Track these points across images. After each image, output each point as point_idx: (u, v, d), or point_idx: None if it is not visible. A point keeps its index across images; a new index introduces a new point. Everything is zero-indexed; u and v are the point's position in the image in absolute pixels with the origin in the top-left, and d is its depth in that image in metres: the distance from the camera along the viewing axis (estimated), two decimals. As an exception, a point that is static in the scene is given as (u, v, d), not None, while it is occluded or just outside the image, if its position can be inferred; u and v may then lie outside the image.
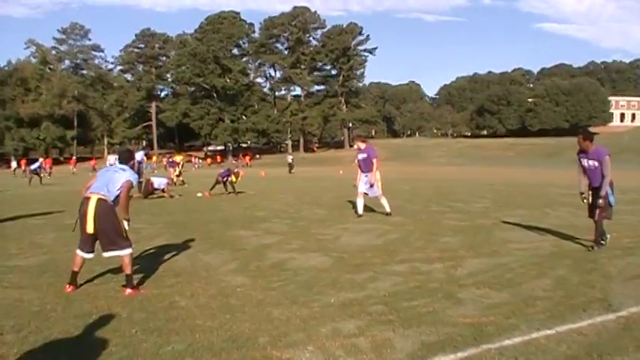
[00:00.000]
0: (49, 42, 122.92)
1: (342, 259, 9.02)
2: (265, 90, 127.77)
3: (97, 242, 7.12)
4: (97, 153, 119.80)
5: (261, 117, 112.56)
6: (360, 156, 15.16)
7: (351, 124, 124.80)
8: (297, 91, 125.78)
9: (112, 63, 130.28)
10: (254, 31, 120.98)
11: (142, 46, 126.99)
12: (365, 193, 14.99)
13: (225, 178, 23.84)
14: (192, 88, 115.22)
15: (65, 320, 5.84)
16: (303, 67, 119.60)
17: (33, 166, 38.33)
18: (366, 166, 14.93)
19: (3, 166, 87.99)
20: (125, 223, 7.17)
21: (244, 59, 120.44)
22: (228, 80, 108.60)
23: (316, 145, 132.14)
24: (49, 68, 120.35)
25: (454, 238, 11.11)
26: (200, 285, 7.37)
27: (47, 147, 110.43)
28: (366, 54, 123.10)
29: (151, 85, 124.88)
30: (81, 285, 7.25)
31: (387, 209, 15.05)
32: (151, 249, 10.11)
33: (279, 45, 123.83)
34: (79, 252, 7.11)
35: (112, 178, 7.13)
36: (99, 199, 6.93)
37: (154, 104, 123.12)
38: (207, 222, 14.28)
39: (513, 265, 8.46)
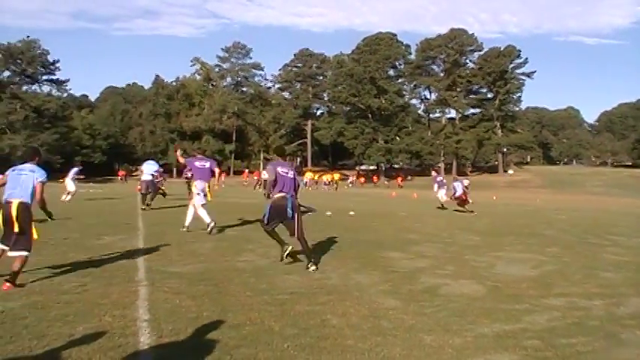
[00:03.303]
0: (212, 60, 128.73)
1: (497, 289, 8.78)
2: (420, 112, 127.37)
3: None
4: (253, 167, 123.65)
5: (415, 138, 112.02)
6: (198, 163, 15.44)
7: (505, 149, 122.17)
8: (452, 113, 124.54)
9: (270, 81, 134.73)
10: (410, 53, 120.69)
11: (300, 65, 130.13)
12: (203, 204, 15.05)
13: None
14: (348, 108, 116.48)
15: (219, 329, 6.03)
16: (458, 89, 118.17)
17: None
18: (205, 175, 15.21)
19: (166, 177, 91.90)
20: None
21: (400, 80, 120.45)
22: (383, 101, 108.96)
23: (469, 169, 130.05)
24: (212, 85, 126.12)
25: (615, 274, 10.55)
26: (352, 304, 7.37)
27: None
28: (524, 77, 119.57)
29: (308, 104, 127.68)
30: (234, 295, 7.50)
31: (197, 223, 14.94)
32: (304, 265, 10.18)
33: (434, 67, 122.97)
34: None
35: (25, 181, 8.05)
36: (20, 203, 7.89)
37: (309, 122, 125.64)
38: (359, 241, 14.31)
39: (683, 307, 7.92)
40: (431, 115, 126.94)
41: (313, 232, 15.81)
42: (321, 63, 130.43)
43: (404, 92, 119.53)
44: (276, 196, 10.16)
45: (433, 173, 31.19)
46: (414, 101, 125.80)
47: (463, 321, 6.79)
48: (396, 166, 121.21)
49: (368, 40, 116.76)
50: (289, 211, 10.03)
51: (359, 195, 46.22)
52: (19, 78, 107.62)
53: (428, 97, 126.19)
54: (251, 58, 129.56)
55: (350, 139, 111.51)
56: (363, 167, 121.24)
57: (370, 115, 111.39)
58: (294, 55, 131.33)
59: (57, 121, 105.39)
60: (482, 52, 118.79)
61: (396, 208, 27.38)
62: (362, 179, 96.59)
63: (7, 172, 8.33)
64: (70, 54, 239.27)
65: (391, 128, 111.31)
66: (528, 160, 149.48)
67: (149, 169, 23.93)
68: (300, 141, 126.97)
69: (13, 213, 7.80)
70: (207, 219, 14.83)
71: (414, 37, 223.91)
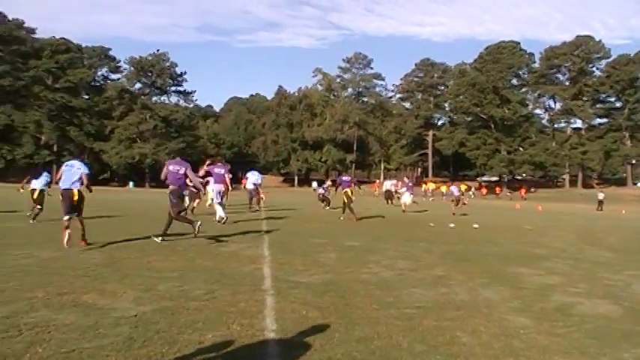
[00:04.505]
0: (333, 71, 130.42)
1: (634, 310, 8.31)
2: (544, 122, 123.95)
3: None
4: (374, 177, 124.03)
5: (539, 149, 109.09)
6: (217, 170, 19.40)
7: (634, 161, 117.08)
8: (578, 123, 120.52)
9: (391, 91, 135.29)
10: (534, 61, 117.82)
11: (421, 75, 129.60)
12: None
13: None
14: (470, 118, 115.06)
15: (347, 343, 5.94)
16: (585, 98, 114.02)
17: (320, 189, 38.25)
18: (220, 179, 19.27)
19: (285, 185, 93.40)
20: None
21: (523, 90, 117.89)
22: (506, 111, 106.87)
23: (596, 181, 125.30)
24: (334, 95, 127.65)
25: None
26: (481, 322, 7.15)
27: (328, 169, 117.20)
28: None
29: (429, 114, 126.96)
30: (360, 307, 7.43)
31: (219, 216, 18.02)
32: (430, 278, 10.09)
33: (559, 75, 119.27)
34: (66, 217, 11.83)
35: (75, 174, 12.05)
36: (77, 190, 12.01)
37: (430, 132, 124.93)
38: (484, 255, 14.02)
39: None
40: (555, 125, 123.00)
41: (438, 245, 15.66)
42: (442, 72, 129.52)
43: (527, 102, 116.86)
44: (170, 188, 13.68)
45: (405, 179, 35.67)
46: (537, 111, 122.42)
47: (600, 344, 6.45)
48: (518, 177, 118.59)
49: (490, 48, 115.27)
50: (171, 197, 13.58)
51: (482, 207, 45.42)
52: (149, 89, 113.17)
53: (552, 106, 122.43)
54: (372, 68, 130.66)
55: (472, 149, 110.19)
56: (484, 178, 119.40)
57: (493, 125, 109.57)
58: (415, 64, 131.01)
59: (184, 131, 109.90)
60: (610, 60, 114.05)
61: (521, 221, 26.72)
62: (484, 190, 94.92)
63: (62, 167, 12.25)
64: (196, 66, 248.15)
65: (514, 138, 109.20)
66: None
67: (252, 179, 25.79)
68: (422, 151, 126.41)
69: (75, 197, 11.92)
70: (221, 213, 17.95)
71: (538, 45, 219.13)
